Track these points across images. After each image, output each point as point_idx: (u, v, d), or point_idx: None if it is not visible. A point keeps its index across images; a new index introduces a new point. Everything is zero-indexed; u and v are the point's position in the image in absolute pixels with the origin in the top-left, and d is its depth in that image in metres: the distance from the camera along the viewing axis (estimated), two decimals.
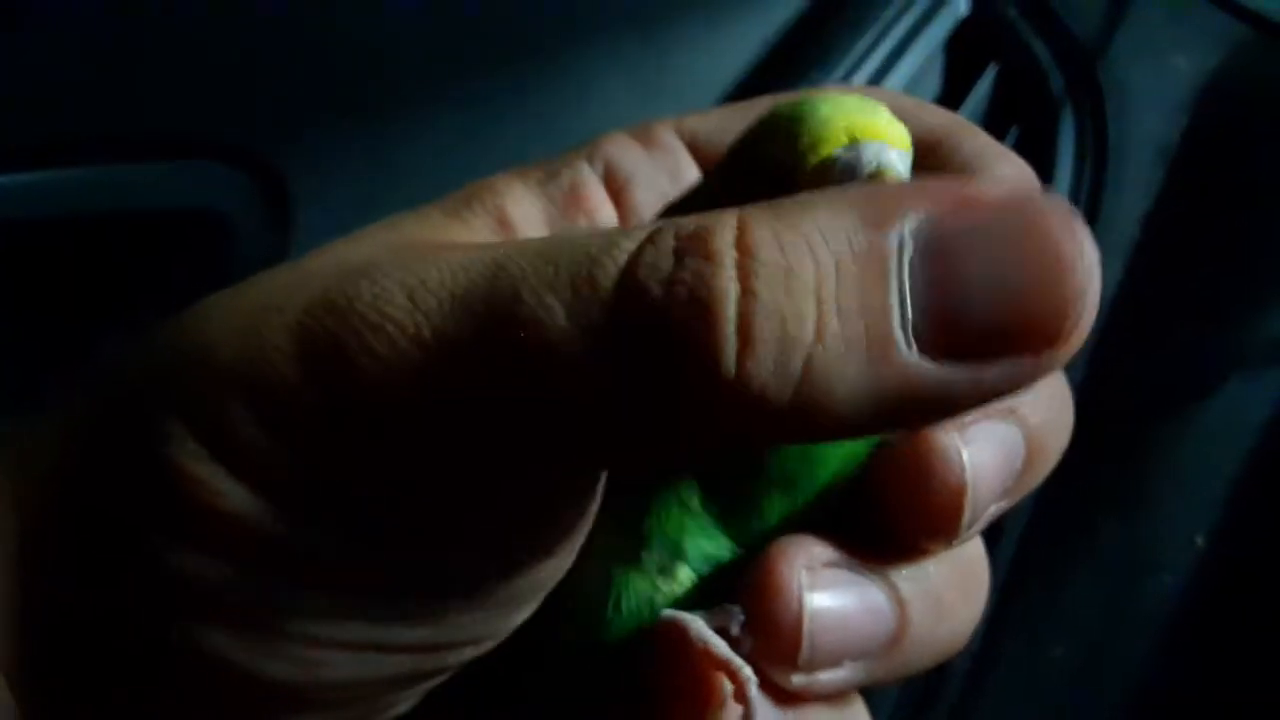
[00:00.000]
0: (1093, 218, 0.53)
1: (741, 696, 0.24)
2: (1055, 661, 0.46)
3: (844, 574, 0.25)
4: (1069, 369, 0.49)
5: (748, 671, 0.24)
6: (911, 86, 0.57)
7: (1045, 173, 0.55)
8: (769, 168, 0.24)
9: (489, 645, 0.25)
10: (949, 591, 0.26)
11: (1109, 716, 0.45)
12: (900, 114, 0.26)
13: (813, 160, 0.23)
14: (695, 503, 0.25)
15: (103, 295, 0.38)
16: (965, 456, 0.24)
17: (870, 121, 0.24)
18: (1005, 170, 0.26)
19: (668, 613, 0.24)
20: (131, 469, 0.23)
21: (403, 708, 0.26)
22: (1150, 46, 0.58)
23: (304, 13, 0.41)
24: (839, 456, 0.25)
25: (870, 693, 0.28)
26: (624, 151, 0.29)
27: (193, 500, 0.22)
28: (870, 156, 0.23)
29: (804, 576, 0.24)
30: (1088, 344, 0.56)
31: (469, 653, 0.25)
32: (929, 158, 0.27)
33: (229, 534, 0.22)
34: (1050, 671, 0.46)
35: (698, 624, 0.24)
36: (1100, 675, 0.46)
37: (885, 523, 0.26)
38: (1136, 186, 0.54)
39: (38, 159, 0.34)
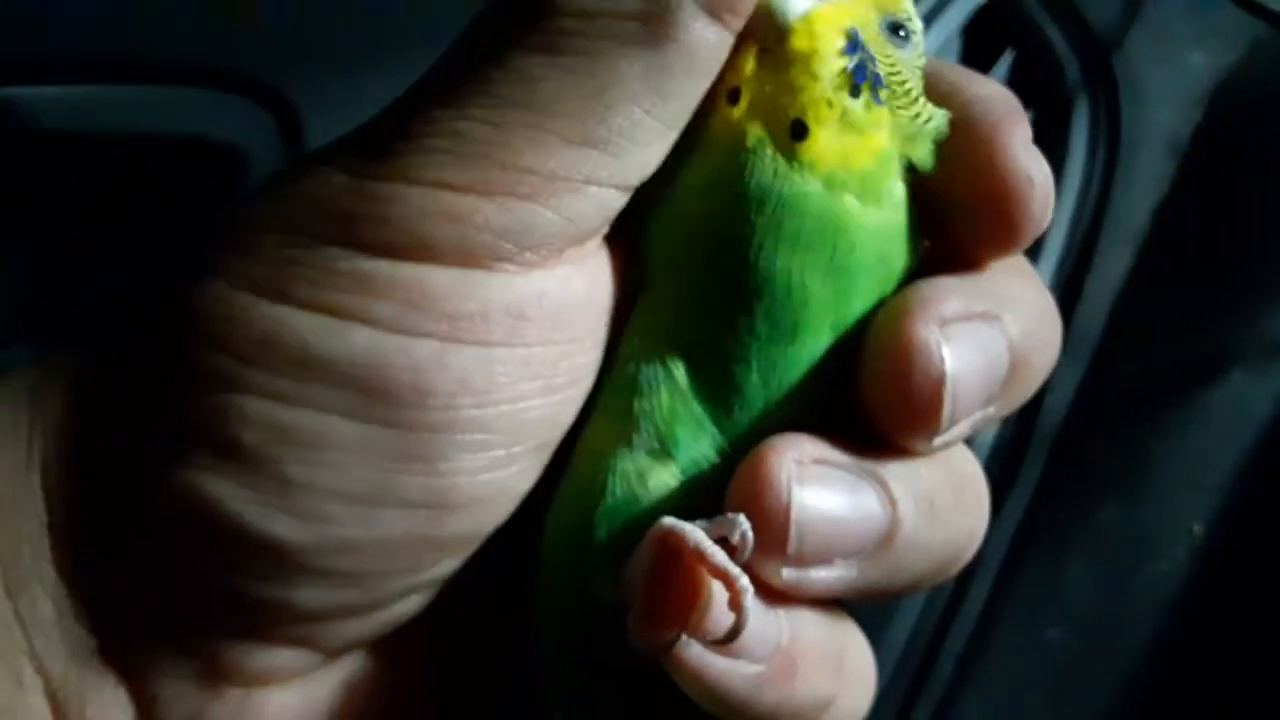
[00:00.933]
0: (1103, 207, 0.53)
1: (736, 604, 0.24)
2: (1050, 644, 0.46)
3: (834, 470, 0.25)
4: (1074, 355, 0.50)
5: (744, 581, 0.24)
6: None
7: (1058, 161, 0.55)
8: None
9: (487, 516, 0.25)
10: (941, 494, 0.26)
11: (1103, 700, 0.46)
12: None
13: None
14: (683, 382, 0.26)
15: (112, 214, 0.38)
16: (945, 350, 0.25)
17: None
18: (984, 90, 0.26)
19: (666, 520, 0.24)
20: (190, 297, 0.24)
21: (414, 601, 0.26)
22: (1166, 41, 0.59)
23: None
24: (811, 335, 0.26)
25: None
26: None
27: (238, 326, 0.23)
28: None
29: (793, 469, 0.24)
30: (1095, 331, 0.56)
31: (468, 522, 0.25)
32: None
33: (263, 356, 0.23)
34: (1045, 654, 0.46)
35: (696, 533, 0.24)
36: (1095, 659, 0.46)
37: (872, 421, 0.26)
38: (1148, 178, 0.54)
39: (63, 76, 0.35)
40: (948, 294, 0.25)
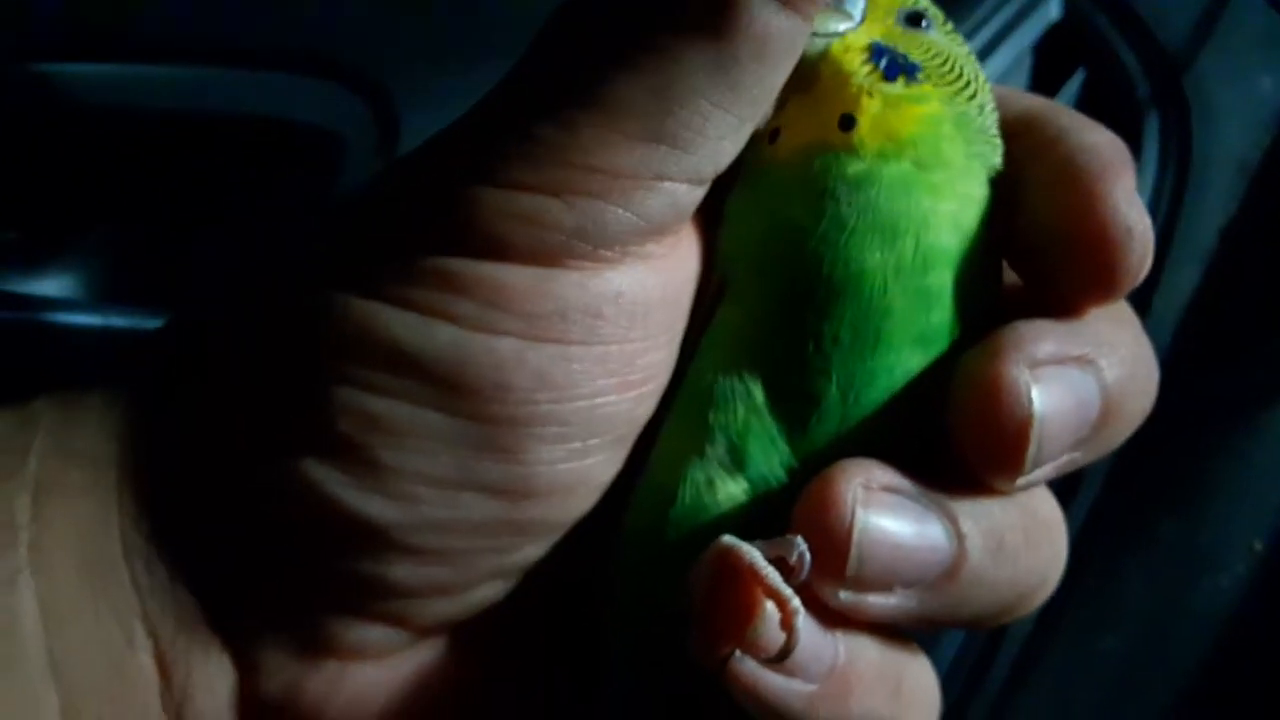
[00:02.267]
0: (1172, 226, 0.54)
1: (788, 624, 0.24)
2: (1105, 653, 0.47)
3: (902, 498, 0.25)
4: None
5: (796, 603, 0.24)
6: (1001, 84, 0.58)
7: None
8: None
9: (570, 505, 0.26)
10: (1012, 533, 0.26)
11: (1155, 710, 0.46)
12: (999, 97, 0.28)
13: None
14: (759, 397, 0.26)
15: (214, 193, 0.39)
16: (1034, 392, 0.25)
17: None
18: (1094, 138, 0.26)
19: (725, 539, 0.25)
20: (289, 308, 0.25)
21: (499, 586, 0.27)
22: (1237, 64, 0.59)
23: None
24: (893, 349, 0.25)
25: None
26: None
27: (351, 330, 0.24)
28: None
29: (860, 493, 0.25)
30: (1161, 348, 0.57)
31: (551, 509, 0.26)
32: (1024, 136, 0.27)
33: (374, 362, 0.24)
34: (1099, 662, 0.47)
35: (753, 552, 0.24)
36: (1149, 669, 0.47)
37: (953, 454, 0.26)
38: (1217, 198, 0.55)
39: (167, 56, 0.36)
40: (1041, 336, 0.25)
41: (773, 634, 0.24)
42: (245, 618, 0.26)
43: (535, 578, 0.27)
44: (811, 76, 0.26)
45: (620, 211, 0.24)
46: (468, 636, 0.28)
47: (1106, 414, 0.26)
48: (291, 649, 0.26)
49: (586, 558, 0.27)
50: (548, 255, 0.24)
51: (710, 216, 0.27)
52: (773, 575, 0.24)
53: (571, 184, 0.24)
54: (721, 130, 0.24)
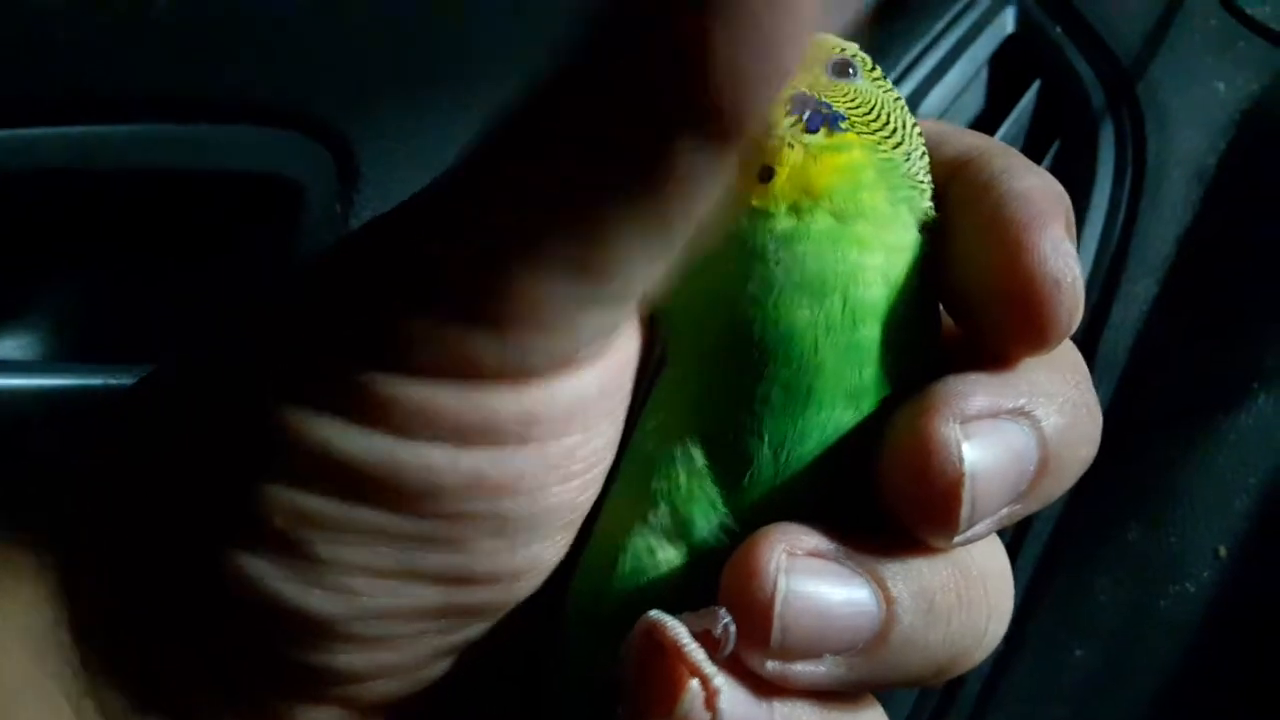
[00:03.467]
0: (1129, 234, 0.54)
1: (710, 705, 0.24)
2: (1076, 662, 0.47)
3: (827, 563, 0.25)
4: (1101, 380, 0.51)
5: (719, 681, 0.24)
6: (957, 97, 0.59)
7: (1084, 188, 0.56)
8: None
9: (516, 588, 0.26)
10: (943, 594, 0.25)
11: (1127, 718, 0.46)
12: (937, 137, 0.28)
13: None
14: (699, 461, 0.26)
15: (176, 247, 0.39)
16: (964, 449, 0.24)
17: None
18: (1026, 184, 0.26)
19: (652, 614, 0.24)
20: (226, 414, 0.25)
21: (448, 662, 0.27)
22: (1191, 70, 0.60)
23: None
24: (824, 407, 0.25)
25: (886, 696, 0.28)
26: None
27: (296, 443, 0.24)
28: None
29: (783, 559, 0.24)
30: (1120, 357, 0.57)
31: (496, 593, 0.26)
32: (960, 179, 0.27)
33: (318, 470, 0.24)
34: (1071, 672, 0.47)
35: (678, 628, 0.24)
36: (1120, 677, 0.47)
37: (885, 515, 0.25)
38: (1173, 205, 0.55)
39: (129, 113, 0.36)
40: (973, 390, 0.25)
41: (698, 712, 0.24)
42: (193, 707, 0.26)
43: (484, 651, 0.27)
44: None
45: (548, 339, 0.23)
46: (417, 712, 0.28)
47: (1045, 465, 0.25)
48: None
49: (535, 629, 0.27)
50: (476, 376, 0.24)
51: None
52: (696, 652, 0.24)
53: (498, 313, 0.23)
54: (651, 255, 0.23)
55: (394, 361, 0.24)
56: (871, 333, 0.25)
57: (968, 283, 0.26)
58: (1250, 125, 0.57)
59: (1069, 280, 0.25)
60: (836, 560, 0.25)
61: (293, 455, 0.24)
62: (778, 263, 0.25)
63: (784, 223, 0.25)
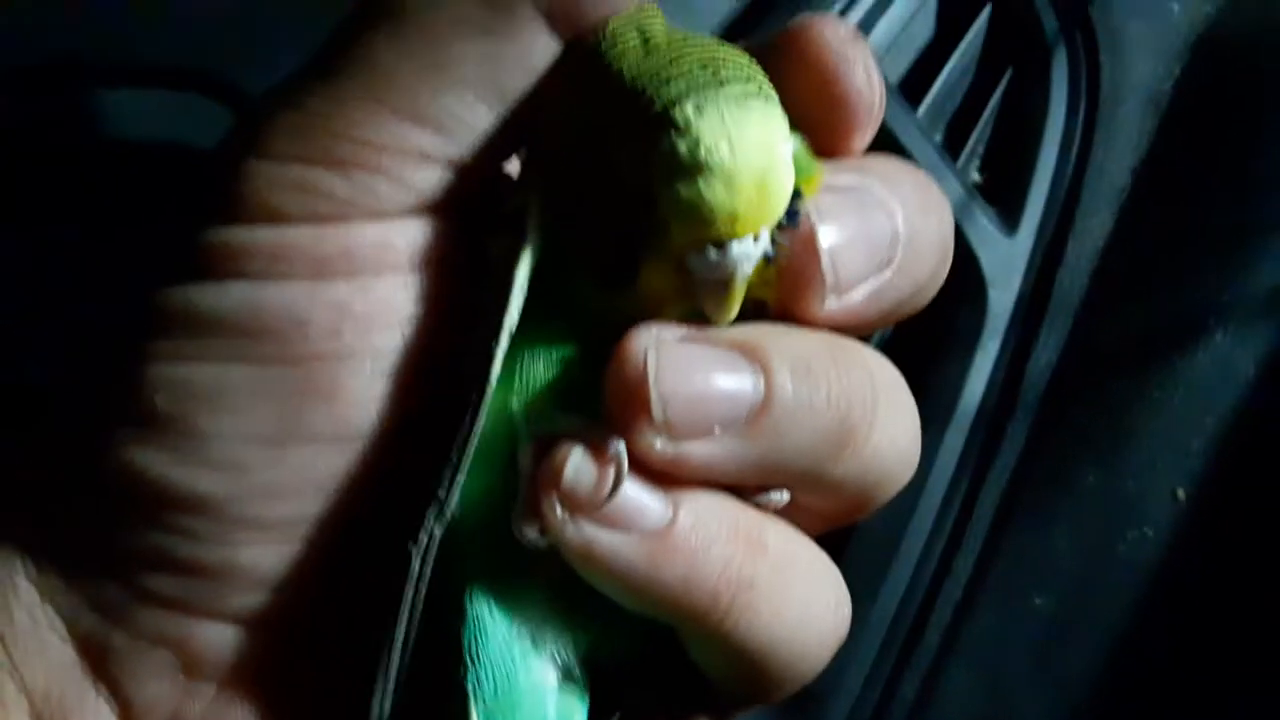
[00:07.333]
0: (1084, 165, 0.53)
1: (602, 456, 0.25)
2: (1035, 610, 0.47)
3: (697, 342, 0.25)
4: (1056, 319, 0.50)
5: (617, 443, 0.24)
6: (905, 27, 0.56)
7: (1038, 118, 0.54)
8: (620, 184, 0.24)
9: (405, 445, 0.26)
10: (819, 359, 0.26)
11: (1087, 666, 0.46)
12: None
13: (677, 239, 0.24)
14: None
15: (83, 216, 0.38)
16: (817, 224, 0.26)
17: (737, 211, 0.23)
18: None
19: (535, 429, 0.25)
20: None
21: (333, 569, 0.27)
22: None
23: None
24: None
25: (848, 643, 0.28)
26: None
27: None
28: (729, 266, 0.24)
29: (653, 339, 0.25)
30: (1077, 294, 0.56)
31: (384, 456, 0.26)
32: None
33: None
34: (1031, 621, 0.47)
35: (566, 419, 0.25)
36: (1079, 625, 0.47)
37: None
38: (1128, 135, 0.54)
39: (33, 83, 0.34)
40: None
41: (587, 477, 0.24)
42: (113, 649, 0.26)
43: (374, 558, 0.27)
44: None
45: (388, 184, 0.25)
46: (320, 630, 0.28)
47: (901, 236, 0.27)
48: (165, 676, 0.26)
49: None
50: (325, 218, 0.25)
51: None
52: (576, 421, 0.25)
53: (342, 155, 0.25)
54: (480, 121, 0.25)
55: (241, 214, 0.25)
56: None
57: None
58: (1205, 49, 0.55)
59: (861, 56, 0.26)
60: (707, 339, 0.25)
61: (160, 328, 0.25)
62: None
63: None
